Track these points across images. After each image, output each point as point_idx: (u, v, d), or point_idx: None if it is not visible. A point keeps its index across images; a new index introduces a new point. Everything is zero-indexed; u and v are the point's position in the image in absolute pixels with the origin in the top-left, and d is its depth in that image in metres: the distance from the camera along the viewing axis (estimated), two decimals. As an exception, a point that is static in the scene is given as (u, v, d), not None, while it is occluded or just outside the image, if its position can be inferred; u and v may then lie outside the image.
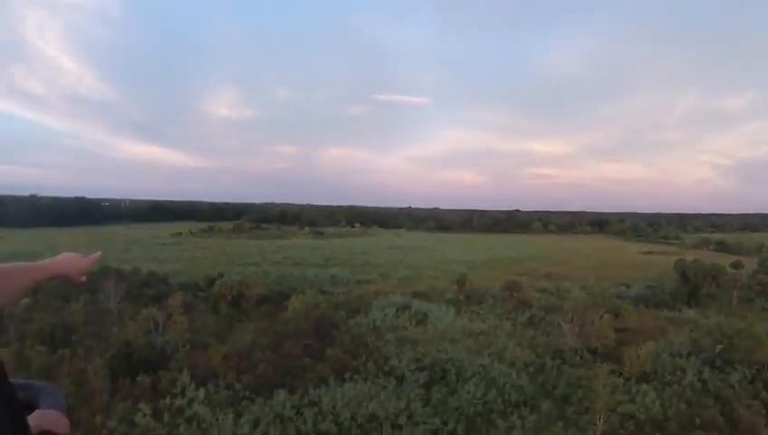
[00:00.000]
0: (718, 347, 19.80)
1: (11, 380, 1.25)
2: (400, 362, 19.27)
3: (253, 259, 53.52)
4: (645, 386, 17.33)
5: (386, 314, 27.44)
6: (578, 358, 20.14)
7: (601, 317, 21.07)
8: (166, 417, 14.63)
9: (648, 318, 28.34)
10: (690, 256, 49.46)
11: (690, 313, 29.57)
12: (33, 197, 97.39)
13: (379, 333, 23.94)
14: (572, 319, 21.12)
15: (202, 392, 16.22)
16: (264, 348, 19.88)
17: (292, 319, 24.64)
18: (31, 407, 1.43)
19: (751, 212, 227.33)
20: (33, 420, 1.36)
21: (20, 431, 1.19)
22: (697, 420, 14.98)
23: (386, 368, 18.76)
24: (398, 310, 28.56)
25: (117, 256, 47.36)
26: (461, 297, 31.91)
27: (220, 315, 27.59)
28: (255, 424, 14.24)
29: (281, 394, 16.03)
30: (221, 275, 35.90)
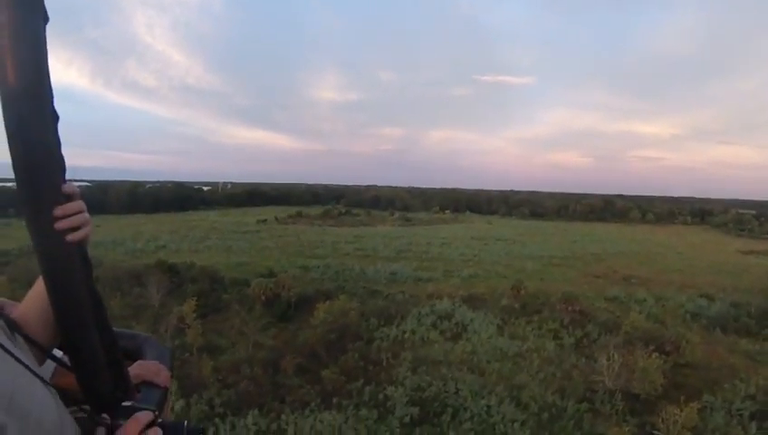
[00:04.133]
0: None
1: (116, 329, 1.35)
2: (399, 388, 18.38)
3: (322, 250, 55.13)
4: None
5: (421, 325, 26.46)
6: (609, 405, 17.23)
7: (650, 355, 17.81)
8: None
9: (721, 349, 23.46)
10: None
11: (778, 346, 23.79)
12: (134, 183, 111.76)
13: (401, 349, 23.15)
14: (611, 354, 18.11)
15: (180, 404, 17.09)
16: (257, 362, 20.33)
17: (310, 327, 24.92)
18: (133, 357, 1.54)
19: None
20: (134, 369, 1.45)
21: (119, 379, 1.26)
22: None
23: (380, 396, 18.04)
24: (438, 319, 27.39)
25: (191, 246, 52.21)
26: (515, 305, 29.53)
27: (253, 317, 28.83)
28: (208, 449, 14.62)
29: (250, 416, 16.25)
30: (270, 272, 37.57)
